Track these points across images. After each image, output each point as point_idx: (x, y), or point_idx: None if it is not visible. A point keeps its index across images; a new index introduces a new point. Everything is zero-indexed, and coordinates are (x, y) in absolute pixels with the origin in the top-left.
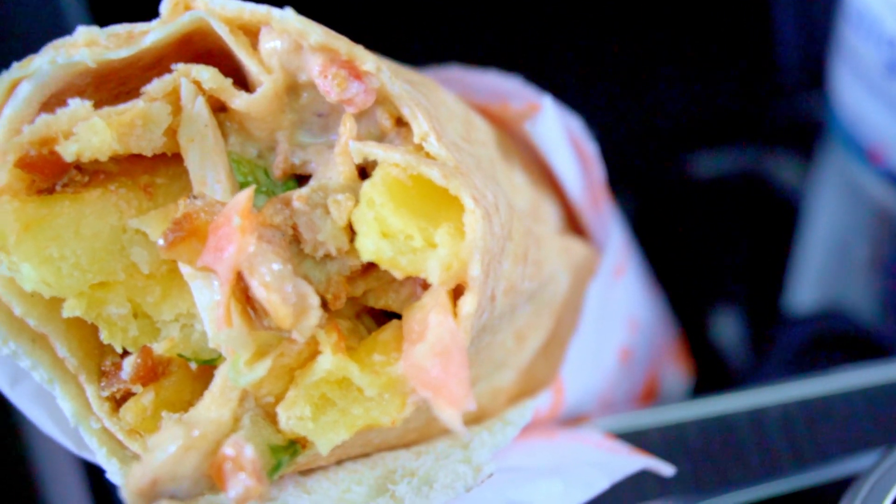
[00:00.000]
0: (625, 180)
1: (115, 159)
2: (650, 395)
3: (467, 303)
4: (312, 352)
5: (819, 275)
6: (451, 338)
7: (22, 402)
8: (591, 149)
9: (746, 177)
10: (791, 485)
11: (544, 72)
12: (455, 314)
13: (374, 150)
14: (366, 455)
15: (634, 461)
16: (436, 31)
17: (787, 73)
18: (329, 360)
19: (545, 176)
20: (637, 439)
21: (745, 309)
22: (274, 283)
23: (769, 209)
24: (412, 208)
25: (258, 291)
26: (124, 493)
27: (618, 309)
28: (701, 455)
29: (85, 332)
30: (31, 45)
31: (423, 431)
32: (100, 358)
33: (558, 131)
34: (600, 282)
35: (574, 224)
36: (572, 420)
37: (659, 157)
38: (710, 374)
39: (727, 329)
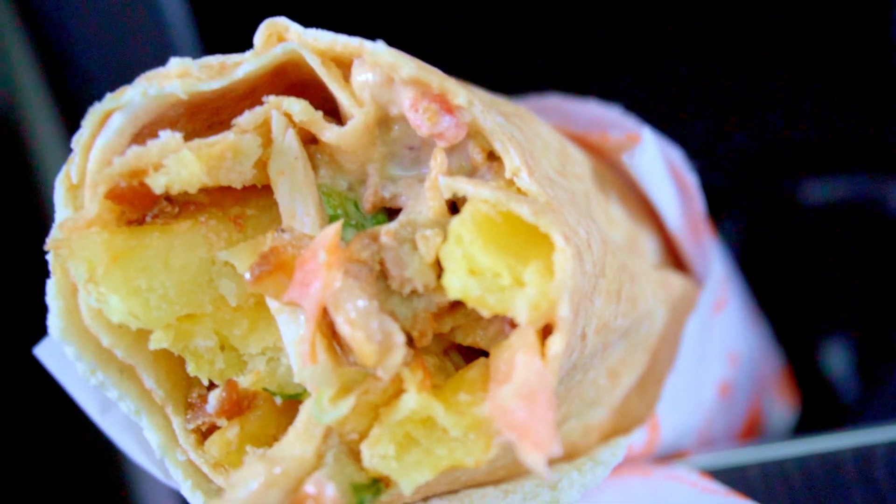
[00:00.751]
0: (733, 205)
1: (206, 191)
2: (753, 430)
3: (555, 343)
4: (397, 389)
5: None
6: (537, 379)
7: (112, 429)
8: (691, 179)
9: (860, 204)
10: None
11: (648, 96)
12: (543, 354)
13: (463, 186)
14: (452, 492)
15: (731, 503)
16: (534, 59)
17: None
18: (413, 399)
19: (644, 207)
20: (736, 476)
21: (857, 341)
22: (359, 319)
23: (884, 237)
24: (501, 245)
25: (343, 328)
26: None
27: (717, 343)
28: (803, 494)
29: (172, 364)
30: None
31: (511, 469)
32: (187, 390)
33: (658, 162)
34: (699, 317)
35: (674, 256)
36: (670, 456)
37: (769, 182)
38: (818, 407)
39: (837, 362)
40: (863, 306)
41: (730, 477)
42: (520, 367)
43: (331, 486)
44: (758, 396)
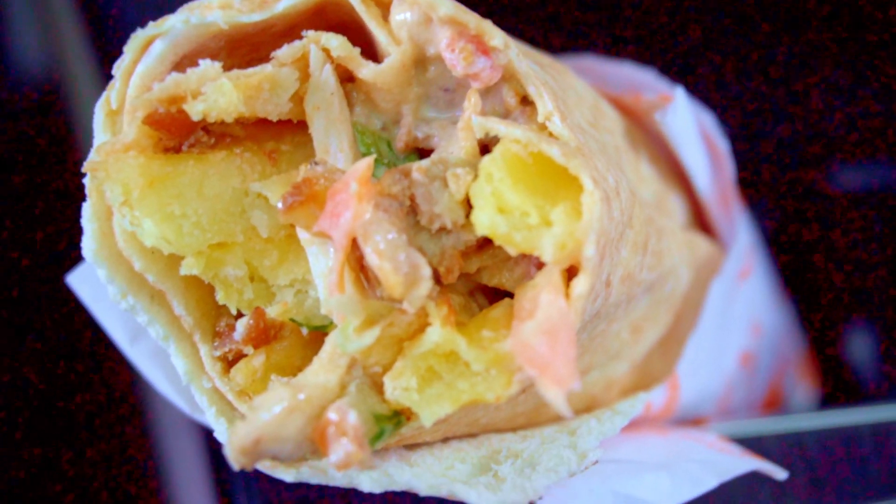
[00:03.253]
0: (765, 187)
1: (242, 123)
2: (773, 405)
3: (580, 284)
4: (422, 324)
5: None
6: (560, 317)
7: (140, 359)
8: (722, 145)
9: (890, 192)
10: None
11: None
12: (567, 295)
13: (496, 126)
14: (472, 435)
15: (745, 462)
16: (579, 21)
17: None
18: (437, 333)
19: (674, 170)
20: (754, 446)
21: (881, 327)
22: (387, 251)
23: None
24: (530, 185)
25: (371, 258)
26: (227, 450)
27: (741, 311)
28: (820, 466)
29: (202, 293)
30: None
31: (531, 417)
32: (216, 319)
33: (690, 124)
34: (724, 281)
35: (701, 221)
36: (689, 421)
37: (798, 166)
38: (841, 389)
39: (860, 346)
40: (888, 293)
41: (748, 446)
42: (543, 305)
43: (353, 413)
44: (780, 372)
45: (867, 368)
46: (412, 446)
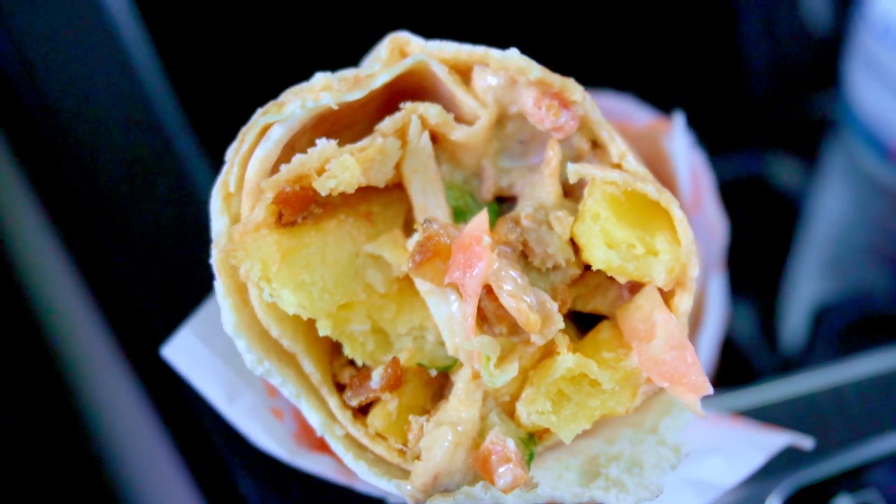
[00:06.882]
0: None
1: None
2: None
3: (684, 301)
4: (543, 353)
5: (821, 267)
6: (680, 333)
7: (238, 417)
8: (699, 158)
9: (752, 180)
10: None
11: None
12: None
13: (591, 171)
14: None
15: (779, 437)
16: None
17: (756, 79)
18: (570, 359)
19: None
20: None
21: (753, 303)
22: (518, 292)
23: (772, 209)
24: (629, 221)
25: (507, 301)
26: (408, 490)
27: (719, 303)
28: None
29: (321, 350)
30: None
31: (598, 422)
32: (330, 373)
33: (683, 145)
34: (716, 276)
35: None
36: None
37: None
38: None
39: (738, 323)
40: (757, 272)
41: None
42: (661, 324)
43: (510, 441)
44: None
45: (750, 344)
46: None
